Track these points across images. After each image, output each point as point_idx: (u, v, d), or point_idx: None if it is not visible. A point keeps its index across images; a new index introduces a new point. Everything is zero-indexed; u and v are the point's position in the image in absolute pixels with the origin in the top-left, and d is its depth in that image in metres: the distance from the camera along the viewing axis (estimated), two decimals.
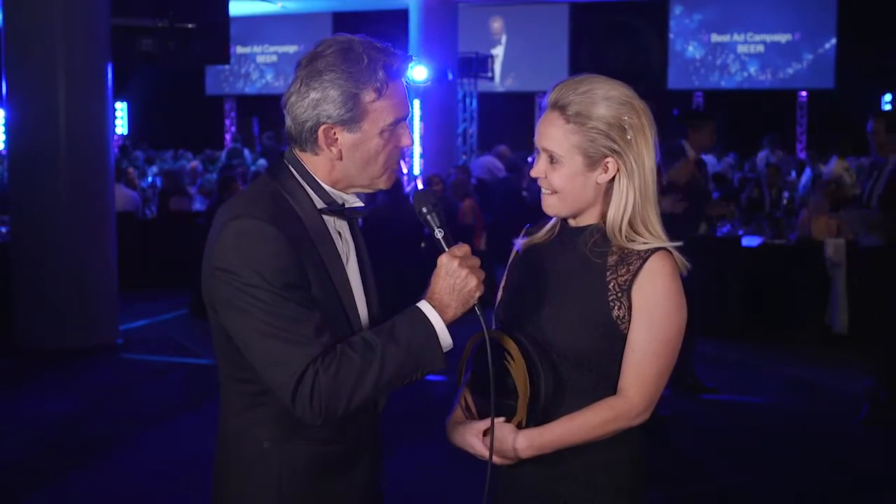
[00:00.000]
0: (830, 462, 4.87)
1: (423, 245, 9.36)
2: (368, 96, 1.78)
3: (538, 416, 1.88)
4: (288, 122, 1.83)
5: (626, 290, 1.87)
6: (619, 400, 1.88)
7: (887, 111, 6.22)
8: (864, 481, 4.71)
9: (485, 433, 1.89)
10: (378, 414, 1.97)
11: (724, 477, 4.77)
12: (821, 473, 4.78)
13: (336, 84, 1.76)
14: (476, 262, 1.77)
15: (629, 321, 1.87)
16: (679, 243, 1.94)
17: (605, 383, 1.90)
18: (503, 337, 1.90)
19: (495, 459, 1.88)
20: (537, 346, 1.88)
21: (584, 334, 1.88)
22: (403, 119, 1.84)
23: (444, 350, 1.75)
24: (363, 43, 1.79)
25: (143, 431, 5.42)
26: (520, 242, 2.08)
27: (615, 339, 1.88)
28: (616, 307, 1.87)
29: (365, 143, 1.81)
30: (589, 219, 1.95)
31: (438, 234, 1.79)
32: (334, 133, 1.79)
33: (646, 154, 1.89)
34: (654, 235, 1.91)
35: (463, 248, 1.76)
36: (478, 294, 1.76)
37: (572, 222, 1.98)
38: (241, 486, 1.87)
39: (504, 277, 2.11)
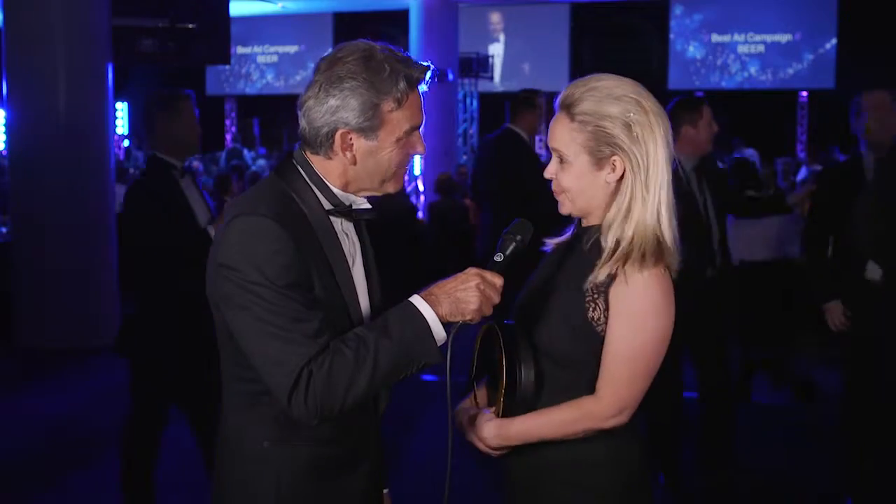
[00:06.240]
0: (831, 462, 4.86)
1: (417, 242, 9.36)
2: (388, 106, 1.79)
3: (515, 408, 1.89)
4: (303, 123, 1.83)
5: (604, 291, 1.85)
6: (590, 400, 1.88)
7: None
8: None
9: (470, 420, 1.97)
10: (380, 416, 1.97)
11: (724, 477, 4.76)
12: (821, 473, 4.77)
13: (356, 93, 1.76)
14: (495, 295, 1.76)
15: (605, 323, 1.86)
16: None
17: (584, 383, 1.90)
18: (493, 329, 1.93)
19: (479, 446, 1.95)
20: (526, 341, 1.90)
21: (560, 333, 1.89)
22: (418, 127, 1.86)
23: (438, 343, 1.74)
24: (384, 51, 1.79)
25: None
26: (550, 242, 2.07)
27: (591, 340, 1.87)
28: (591, 308, 1.86)
29: (380, 150, 1.82)
30: (596, 219, 1.94)
31: (497, 258, 1.82)
32: (350, 139, 1.80)
33: (655, 151, 1.85)
34: None
35: (496, 277, 1.77)
36: (470, 317, 1.74)
37: (584, 222, 1.98)
38: (240, 485, 1.86)
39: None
